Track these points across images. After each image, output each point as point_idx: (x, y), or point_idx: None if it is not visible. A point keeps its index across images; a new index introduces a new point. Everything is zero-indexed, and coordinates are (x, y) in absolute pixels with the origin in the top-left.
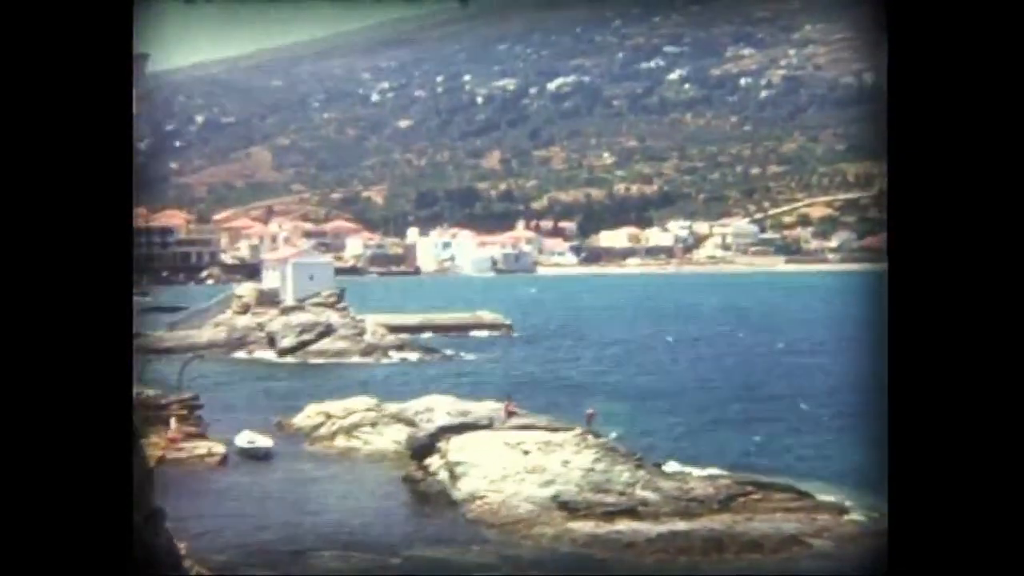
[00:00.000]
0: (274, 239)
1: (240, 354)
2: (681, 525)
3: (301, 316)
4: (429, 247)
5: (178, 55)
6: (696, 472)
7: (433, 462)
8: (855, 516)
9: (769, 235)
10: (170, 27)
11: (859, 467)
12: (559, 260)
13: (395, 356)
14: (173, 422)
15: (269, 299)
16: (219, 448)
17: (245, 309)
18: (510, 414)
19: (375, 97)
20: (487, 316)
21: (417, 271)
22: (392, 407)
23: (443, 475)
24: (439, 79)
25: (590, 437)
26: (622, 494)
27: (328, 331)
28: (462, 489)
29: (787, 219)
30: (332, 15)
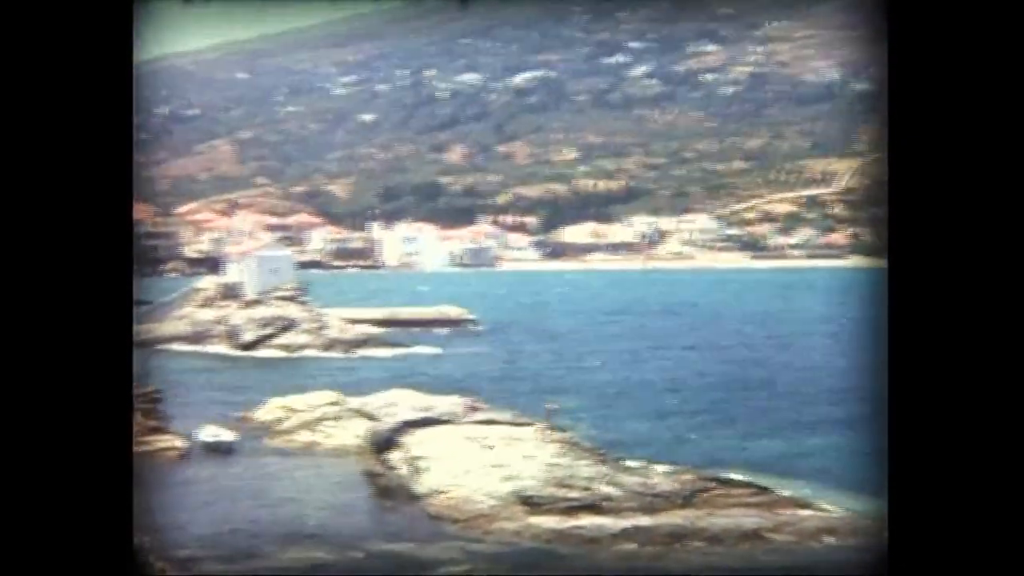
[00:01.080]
0: (237, 233)
1: (202, 347)
2: (643, 520)
3: (263, 310)
4: (392, 241)
5: (142, 48)
6: (658, 467)
7: (395, 456)
8: (816, 511)
9: (733, 231)
10: (167, 25)
11: (799, 457)
12: (522, 255)
13: (358, 350)
14: (135, 416)
15: (231, 293)
16: (180, 442)
17: (207, 303)
18: (472, 408)
19: (339, 91)
20: (450, 311)
21: (380, 265)
22: (354, 401)
23: (405, 469)
24: (403, 73)
25: (552, 432)
26: (584, 489)
27: (290, 325)
28: (424, 483)
29: (750, 215)
30: (308, 9)
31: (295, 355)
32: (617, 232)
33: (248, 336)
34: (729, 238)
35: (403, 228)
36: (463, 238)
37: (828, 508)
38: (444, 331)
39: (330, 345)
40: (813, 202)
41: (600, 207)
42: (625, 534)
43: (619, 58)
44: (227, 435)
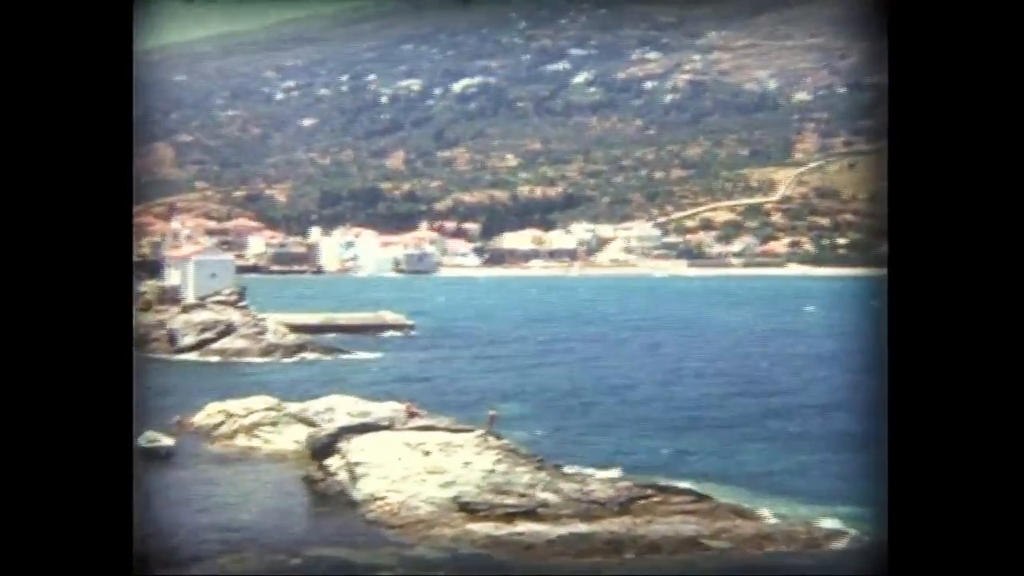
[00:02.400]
0: (176, 236)
1: (141, 351)
2: (581, 527)
3: (202, 314)
4: (332, 246)
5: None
6: (597, 474)
7: (333, 462)
8: (754, 519)
9: (672, 239)
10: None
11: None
12: (462, 261)
13: (296, 355)
14: None
15: (171, 297)
16: None
17: (147, 306)
18: (411, 415)
19: (279, 95)
20: (389, 316)
21: (319, 270)
22: (293, 407)
23: (343, 475)
24: (344, 78)
25: (491, 438)
26: (522, 495)
27: (229, 329)
28: (362, 489)
29: (690, 223)
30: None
31: (234, 359)
32: (557, 239)
33: (187, 340)
34: (668, 246)
35: (343, 233)
36: (404, 243)
37: (764, 515)
38: (383, 336)
39: (269, 350)
40: (752, 210)
41: (541, 214)
42: (562, 541)
43: (560, 65)
44: (165, 440)
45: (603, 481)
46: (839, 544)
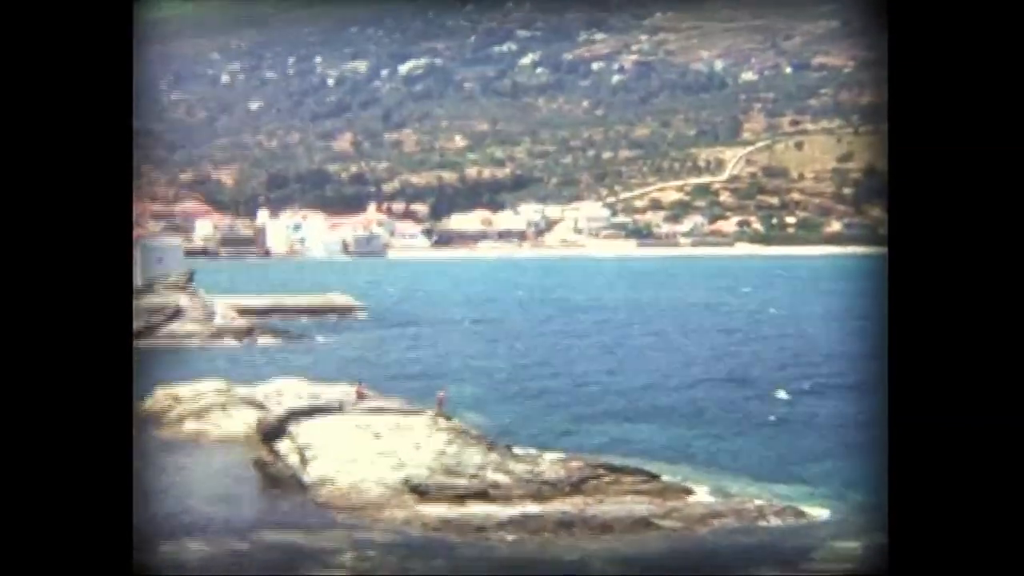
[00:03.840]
0: None
1: None
2: (532, 508)
3: (150, 299)
4: (279, 229)
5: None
6: (547, 455)
7: (283, 446)
8: (700, 498)
9: (621, 219)
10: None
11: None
12: (410, 243)
13: (245, 339)
14: None
15: None
16: None
17: None
18: (361, 397)
19: (225, 78)
20: (338, 299)
21: (267, 253)
22: (242, 390)
23: (293, 459)
24: (290, 61)
25: (441, 420)
26: (473, 477)
27: (177, 314)
28: (312, 473)
29: (638, 203)
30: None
31: (182, 344)
32: (506, 220)
33: (135, 325)
34: (617, 226)
35: (290, 216)
36: (352, 226)
37: (712, 496)
38: (332, 319)
39: (217, 333)
40: (700, 190)
41: (489, 195)
42: (514, 521)
43: (507, 46)
44: None
45: (554, 462)
46: (776, 521)
